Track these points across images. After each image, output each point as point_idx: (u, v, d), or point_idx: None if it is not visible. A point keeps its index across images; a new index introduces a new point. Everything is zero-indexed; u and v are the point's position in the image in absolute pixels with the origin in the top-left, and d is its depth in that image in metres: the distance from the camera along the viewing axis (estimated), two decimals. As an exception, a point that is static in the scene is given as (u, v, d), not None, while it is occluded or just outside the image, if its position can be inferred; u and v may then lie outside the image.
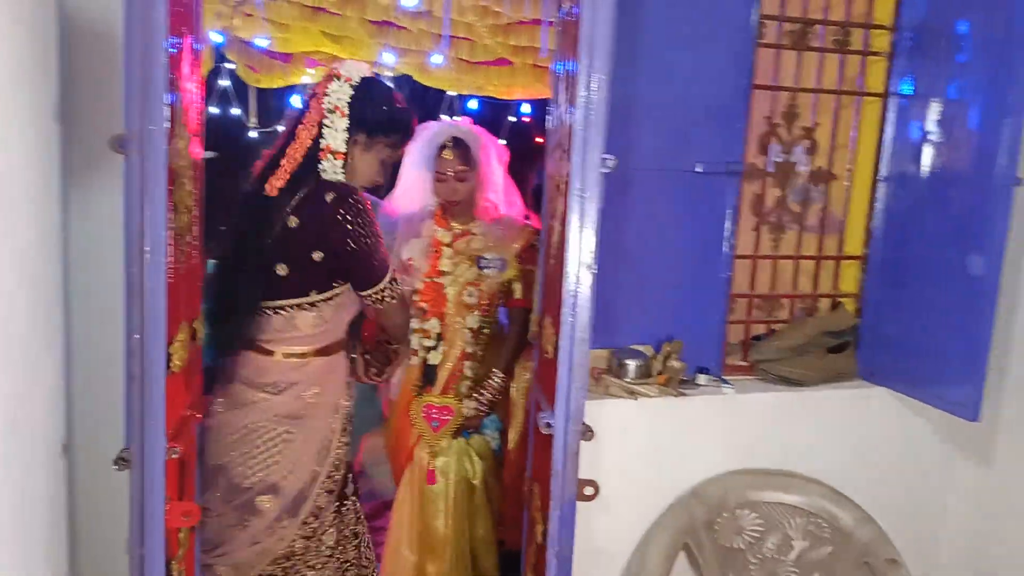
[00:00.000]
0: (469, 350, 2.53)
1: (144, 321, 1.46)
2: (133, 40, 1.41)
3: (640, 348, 2.18)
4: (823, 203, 2.34)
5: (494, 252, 2.51)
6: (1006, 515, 2.17)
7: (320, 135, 1.94)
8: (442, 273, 2.51)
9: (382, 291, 1.98)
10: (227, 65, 4.53)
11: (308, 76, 4.36)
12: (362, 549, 2.18)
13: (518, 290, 2.55)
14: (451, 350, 2.52)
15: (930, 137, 2.11)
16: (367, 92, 1.97)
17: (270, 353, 1.95)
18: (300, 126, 1.96)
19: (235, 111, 5.10)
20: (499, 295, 2.55)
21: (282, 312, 1.94)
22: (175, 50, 1.54)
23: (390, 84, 2.16)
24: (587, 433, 1.76)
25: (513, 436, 2.57)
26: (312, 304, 1.94)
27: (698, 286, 2.23)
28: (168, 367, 1.52)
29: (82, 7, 1.67)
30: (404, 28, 3.77)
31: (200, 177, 1.83)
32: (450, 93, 4.68)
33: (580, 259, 1.66)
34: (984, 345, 1.94)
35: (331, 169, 1.93)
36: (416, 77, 4.18)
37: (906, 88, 2.19)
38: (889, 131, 2.23)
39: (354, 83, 1.96)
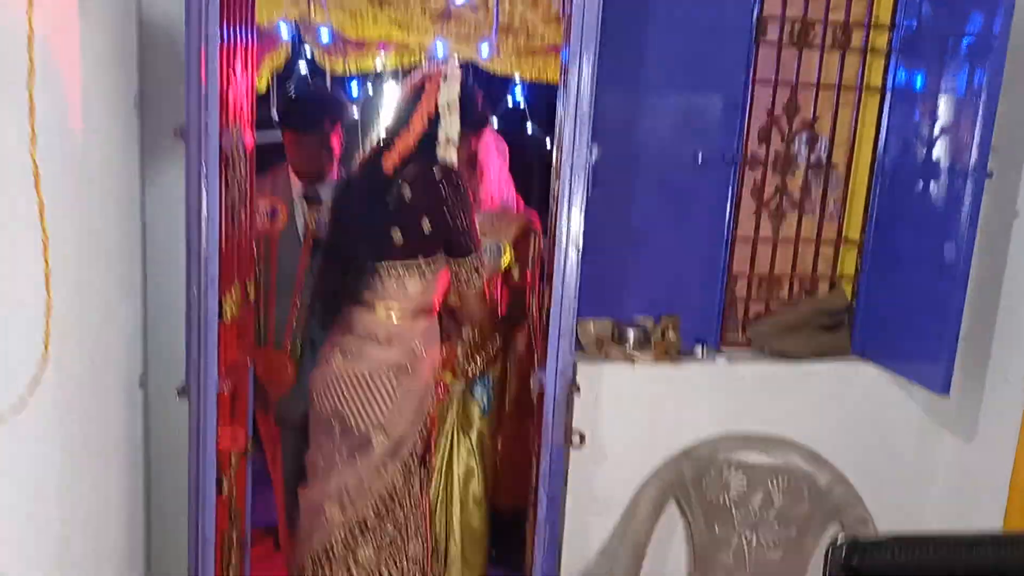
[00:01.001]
0: (467, 333, 2.68)
1: (201, 278, 1.79)
2: (191, 43, 1.73)
3: (641, 320, 2.41)
4: (822, 191, 2.50)
5: (490, 239, 2.61)
6: (985, 487, 2.32)
7: (434, 126, 2.23)
8: None
9: (471, 263, 2.25)
10: (304, 50, 4.92)
11: (379, 60, 4.70)
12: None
13: (516, 273, 2.73)
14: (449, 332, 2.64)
15: (918, 131, 2.26)
16: (470, 92, 2.32)
17: (379, 311, 2.26)
18: (415, 115, 2.23)
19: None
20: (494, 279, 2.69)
21: (394, 272, 2.23)
22: (228, 48, 1.86)
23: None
24: (574, 389, 2.02)
25: (508, 404, 2.76)
26: (419, 268, 2.23)
27: (699, 265, 2.44)
28: (220, 317, 1.85)
29: (156, 14, 2.01)
30: (464, 17, 4.06)
31: (252, 159, 2.16)
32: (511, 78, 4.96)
33: (568, 238, 1.91)
34: (954, 324, 2.10)
35: (446, 155, 2.22)
36: (479, 64, 4.47)
37: (900, 85, 2.34)
38: (884, 125, 2.38)
39: (460, 82, 2.26)
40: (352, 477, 2.28)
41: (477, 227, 2.27)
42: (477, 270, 2.27)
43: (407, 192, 2.19)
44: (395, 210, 2.20)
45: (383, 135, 2.32)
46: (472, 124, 2.34)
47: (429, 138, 2.22)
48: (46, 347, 1.17)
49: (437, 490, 2.70)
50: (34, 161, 1.14)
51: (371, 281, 2.25)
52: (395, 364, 2.25)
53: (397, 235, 2.21)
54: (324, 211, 2.48)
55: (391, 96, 4.57)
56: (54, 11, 1.29)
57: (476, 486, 2.74)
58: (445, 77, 2.24)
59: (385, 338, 2.25)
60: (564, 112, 1.90)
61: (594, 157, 1.89)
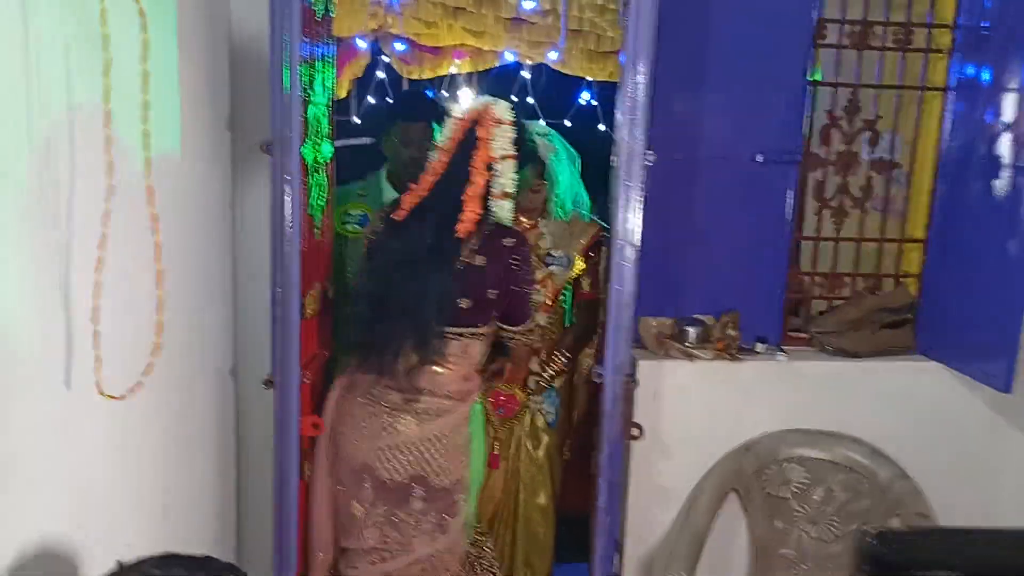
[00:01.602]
0: (536, 345, 2.61)
1: (284, 278, 1.96)
2: (274, 64, 1.90)
3: (702, 317, 2.48)
4: (885, 189, 2.51)
5: (561, 249, 2.63)
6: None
7: (490, 179, 2.10)
8: None
9: (528, 331, 2.28)
10: (382, 59, 5.15)
11: (455, 67, 4.89)
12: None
13: (586, 283, 2.69)
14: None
15: (981, 128, 2.25)
16: (519, 128, 2.17)
17: (448, 370, 2.17)
18: (473, 169, 2.09)
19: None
20: (563, 290, 2.68)
21: (460, 339, 2.17)
22: (309, 65, 2.02)
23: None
24: (631, 383, 2.11)
25: (575, 416, 2.78)
26: (483, 335, 2.21)
27: (760, 264, 2.48)
28: (302, 314, 2.01)
29: (245, 38, 2.20)
30: (535, 23, 4.21)
31: (332, 170, 2.32)
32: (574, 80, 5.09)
33: (626, 236, 2.00)
34: (1016, 322, 2.09)
35: (503, 210, 2.13)
36: (552, 65, 4.62)
37: (963, 82, 2.34)
38: (948, 122, 2.38)
39: (512, 122, 2.14)
40: (443, 541, 2.22)
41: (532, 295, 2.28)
42: (527, 335, 2.29)
43: (479, 261, 2.13)
44: (463, 275, 2.11)
45: (445, 184, 2.13)
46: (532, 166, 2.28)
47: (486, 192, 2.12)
48: (158, 337, 1.34)
49: (505, 501, 2.70)
50: (149, 181, 1.31)
51: (440, 344, 2.14)
52: (466, 418, 2.25)
53: (465, 303, 2.13)
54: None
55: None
56: (159, 52, 1.47)
57: (542, 497, 2.73)
58: (499, 123, 2.12)
59: (458, 393, 2.20)
60: (621, 114, 2.00)
61: (651, 159, 1.97)
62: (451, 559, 2.25)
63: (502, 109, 2.15)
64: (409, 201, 2.15)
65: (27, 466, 1.13)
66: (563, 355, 2.71)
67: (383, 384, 2.14)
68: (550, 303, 2.64)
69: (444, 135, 2.19)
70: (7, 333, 1.05)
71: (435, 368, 2.15)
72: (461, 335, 2.17)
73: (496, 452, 2.64)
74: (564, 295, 2.72)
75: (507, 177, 2.12)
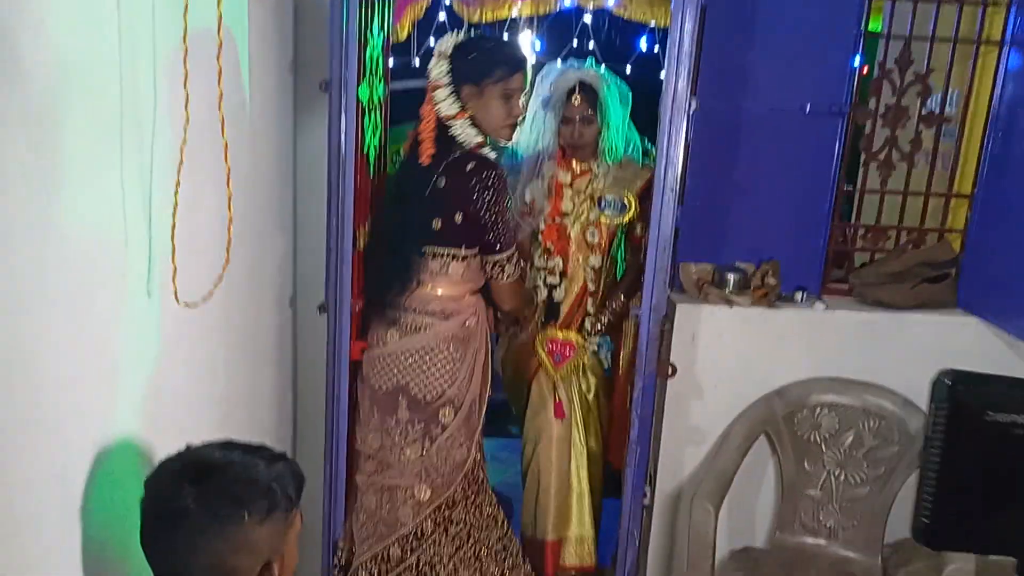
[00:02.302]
0: (591, 287, 2.70)
1: (340, 210, 2.09)
2: (334, 7, 2.00)
3: (742, 265, 2.53)
4: (934, 144, 2.51)
5: (614, 193, 2.65)
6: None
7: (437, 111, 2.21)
8: (564, 214, 2.68)
9: (499, 264, 2.29)
10: (444, 1, 5.22)
11: (515, 10, 4.94)
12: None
13: (640, 228, 2.69)
14: (572, 286, 2.70)
15: (1033, 83, 2.24)
16: (460, 54, 2.20)
17: (430, 288, 2.30)
18: (423, 105, 2.24)
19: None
20: (618, 231, 2.72)
21: (439, 257, 2.27)
22: (368, 7, 2.12)
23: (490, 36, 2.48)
24: (668, 324, 2.19)
25: (623, 364, 2.74)
26: (463, 257, 2.27)
27: (803, 214, 2.52)
28: (355, 246, 2.14)
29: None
30: None
31: (387, 111, 2.43)
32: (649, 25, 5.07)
33: (666, 182, 2.07)
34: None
35: (461, 131, 2.21)
36: (612, 10, 4.63)
37: (1019, 37, 2.31)
38: (1001, 77, 2.37)
39: (448, 53, 2.20)
40: (431, 446, 2.31)
41: (511, 225, 2.33)
42: (504, 267, 2.30)
43: (441, 183, 2.21)
44: (432, 199, 2.22)
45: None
46: (484, 74, 2.22)
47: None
48: (228, 252, 1.48)
49: (573, 450, 2.76)
50: (221, 113, 1.43)
51: (420, 262, 2.28)
52: (452, 336, 2.29)
53: (437, 223, 2.23)
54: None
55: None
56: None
57: (592, 440, 2.81)
58: (437, 56, 2.22)
59: (441, 312, 2.29)
60: (668, 59, 2.05)
61: (694, 106, 2.02)
62: (442, 462, 2.32)
63: (448, 39, 2.23)
64: (410, 142, 2.31)
65: (109, 365, 1.27)
66: (617, 300, 2.74)
67: (383, 301, 2.33)
68: (606, 244, 2.69)
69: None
70: (100, 246, 1.19)
71: (419, 286, 2.29)
72: (439, 254, 2.27)
73: (559, 400, 2.73)
74: (618, 239, 2.76)
75: (443, 103, 2.19)
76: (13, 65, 0.92)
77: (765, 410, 2.44)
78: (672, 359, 2.37)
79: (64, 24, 1.05)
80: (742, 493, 2.51)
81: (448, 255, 2.27)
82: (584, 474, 2.79)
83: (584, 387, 2.78)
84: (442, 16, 5.32)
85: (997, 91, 2.38)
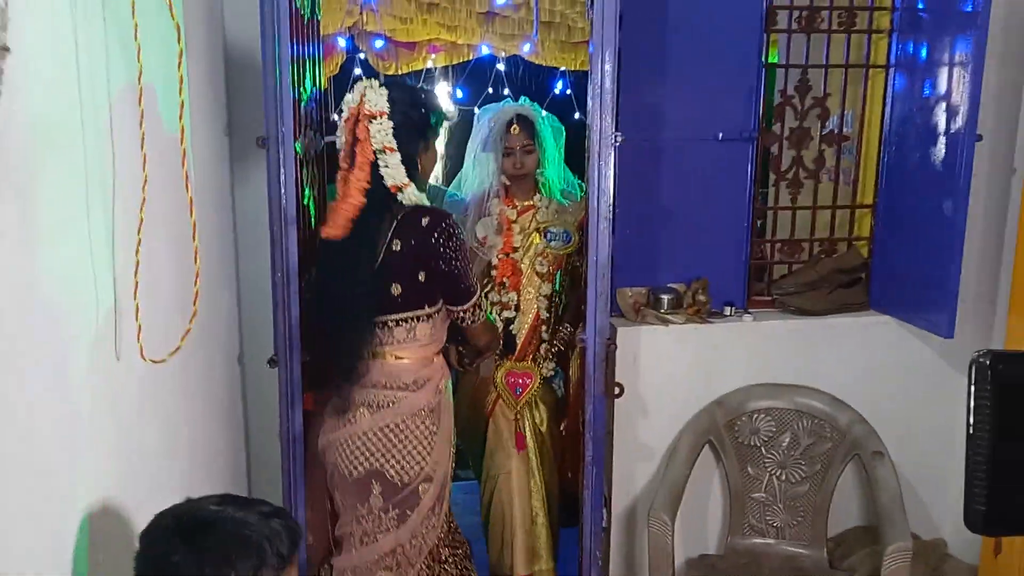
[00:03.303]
0: (544, 315, 2.77)
1: (284, 263, 2.13)
2: (267, 63, 2.06)
3: (674, 286, 2.68)
4: (836, 161, 2.73)
5: (559, 224, 2.76)
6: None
7: (379, 175, 2.09)
8: (515, 248, 2.76)
9: (471, 309, 2.22)
10: (359, 55, 5.32)
11: (430, 61, 5.08)
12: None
13: (575, 258, 2.77)
14: (526, 317, 2.76)
15: (917, 102, 2.47)
16: (403, 111, 2.10)
17: (401, 358, 2.18)
18: (351, 171, 2.09)
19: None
20: (564, 261, 2.79)
21: (403, 324, 2.16)
22: (298, 64, 2.19)
23: (409, 87, 2.44)
24: (611, 345, 2.30)
25: (573, 390, 2.77)
26: (428, 316, 2.18)
27: (725, 234, 2.69)
28: (301, 298, 2.18)
29: (238, 46, 2.35)
30: (507, 16, 4.41)
31: (322, 162, 2.49)
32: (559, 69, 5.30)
33: (599, 212, 2.19)
34: (955, 274, 2.32)
35: (408, 199, 2.12)
36: (525, 57, 4.82)
37: (901, 60, 2.55)
38: (889, 97, 2.60)
39: (388, 112, 2.08)
40: (405, 535, 2.20)
41: (471, 271, 2.24)
42: (474, 311, 2.23)
43: (396, 247, 2.10)
44: (387, 265, 2.11)
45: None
46: (432, 130, 2.21)
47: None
48: (195, 304, 1.52)
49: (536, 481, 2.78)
50: (185, 170, 1.48)
51: (380, 333, 2.16)
52: (426, 408, 2.19)
53: (396, 288, 2.12)
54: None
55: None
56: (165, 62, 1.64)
57: (547, 471, 2.82)
58: (372, 119, 2.08)
59: (413, 383, 2.18)
60: (591, 100, 2.18)
61: (619, 140, 2.16)
62: (414, 552, 2.23)
63: (375, 99, 2.09)
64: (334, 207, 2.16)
65: (83, 429, 1.29)
66: (564, 328, 2.81)
67: (336, 382, 2.18)
68: (553, 273, 2.78)
69: (339, 141, 2.19)
70: (67, 312, 1.21)
71: (384, 358, 2.17)
72: (404, 320, 2.16)
73: (520, 432, 2.75)
74: (564, 268, 2.82)
75: (393, 167, 2.09)
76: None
77: (707, 420, 2.57)
78: (616, 380, 2.48)
79: (39, 87, 1.09)
80: (694, 503, 2.62)
81: (413, 319, 2.17)
82: (542, 506, 2.82)
83: (537, 419, 2.83)
84: (357, 71, 5.41)
85: (887, 109, 2.61)
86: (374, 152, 2.08)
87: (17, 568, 1.04)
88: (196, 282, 1.52)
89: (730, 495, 2.61)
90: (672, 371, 2.61)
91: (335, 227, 2.10)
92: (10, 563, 1.03)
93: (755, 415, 2.57)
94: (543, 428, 2.85)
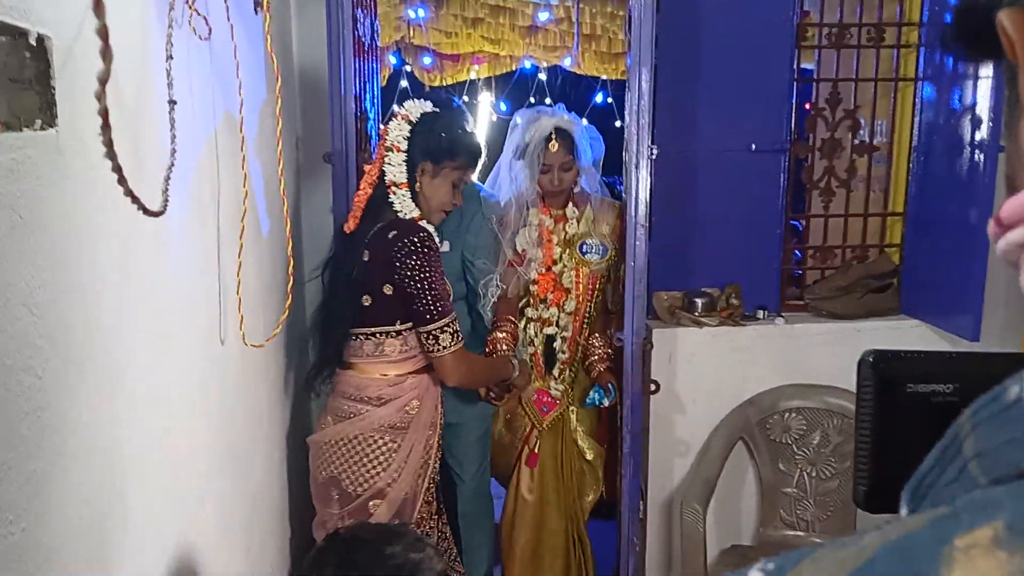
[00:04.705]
0: (585, 332, 2.72)
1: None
2: (332, 88, 2.27)
3: (708, 290, 2.82)
4: (867, 170, 2.84)
5: (594, 237, 2.69)
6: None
7: (383, 172, 2.11)
8: (555, 262, 2.68)
9: (427, 336, 2.06)
10: (406, 68, 5.55)
11: (474, 72, 5.29)
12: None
13: (623, 268, 2.61)
14: (566, 334, 2.72)
15: (943, 113, 2.58)
16: (428, 125, 2.12)
17: (367, 372, 2.14)
18: (367, 165, 2.16)
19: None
20: (603, 276, 2.73)
21: (372, 338, 2.11)
22: (359, 82, 2.39)
23: (461, 112, 2.38)
24: (648, 344, 2.45)
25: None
26: (398, 332, 2.10)
27: (758, 240, 2.82)
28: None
29: (306, 67, 2.57)
30: (548, 30, 4.61)
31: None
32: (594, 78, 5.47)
33: (637, 219, 2.35)
34: (979, 280, 2.42)
35: (399, 202, 2.10)
36: (567, 67, 5.01)
37: (928, 73, 2.66)
38: (918, 109, 2.71)
39: (413, 119, 2.12)
40: None
41: (444, 293, 2.09)
42: (438, 337, 2.07)
43: (365, 256, 2.08)
44: (359, 274, 2.09)
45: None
46: (447, 155, 2.14)
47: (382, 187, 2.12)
48: (290, 295, 1.73)
49: (555, 501, 2.77)
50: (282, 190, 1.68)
51: (352, 344, 2.14)
52: (387, 425, 2.12)
53: (366, 300, 2.09)
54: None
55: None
56: (255, 89, 1.84)
57: (590, 494, 2.82)
58: (395, 118, 2.14)
59: (377, 398, 2.12)
60: (629, 115, 2.34)
61: (655, 153, 2.31)
62: None
63: (412, 106, 2.14)
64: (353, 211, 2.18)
65: (185, 403, 1.49)
66: (598, 340, 2.74)
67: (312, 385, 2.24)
68: (592, 289, 2.70)
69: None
70: (186, 306, 1.42)
71: (355, 370, 2.15)
72: (372, 334, 2.11)
73: (536, 451, 2.73)
74: (601, 283, 2.76)
75: (394, 167, 2.10)
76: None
77: (740, 419, 2.70)
78: (653, 378, 2.63)
79: (187, 130, 1.30)
80: (727, 497, 2.75)
81: (382, 333, 2.11)
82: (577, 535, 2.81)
83: (580, 443, 2.78)
84: (404, 83, 5.65)
85: (916, 120, 2.73)
86: (384, 149, 2.12)
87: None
88: (290, 277, 1.72)
89: (762, 489, 2.74)
90: (706, 371, 2.75)
91: (350, 218, 2.14)
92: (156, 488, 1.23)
93: (786, 414, 2.69)
94: (590, 456, 2.78)
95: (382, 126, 2.15)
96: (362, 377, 2.13)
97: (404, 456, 2.12)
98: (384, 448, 2.11)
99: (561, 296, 2.71)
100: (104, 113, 0.81)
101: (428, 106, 2.16)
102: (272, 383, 2.03)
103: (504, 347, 2.59)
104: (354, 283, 2.09)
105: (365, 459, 2.10)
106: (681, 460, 2.80)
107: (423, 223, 2.11)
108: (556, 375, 2.75)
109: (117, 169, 0.84)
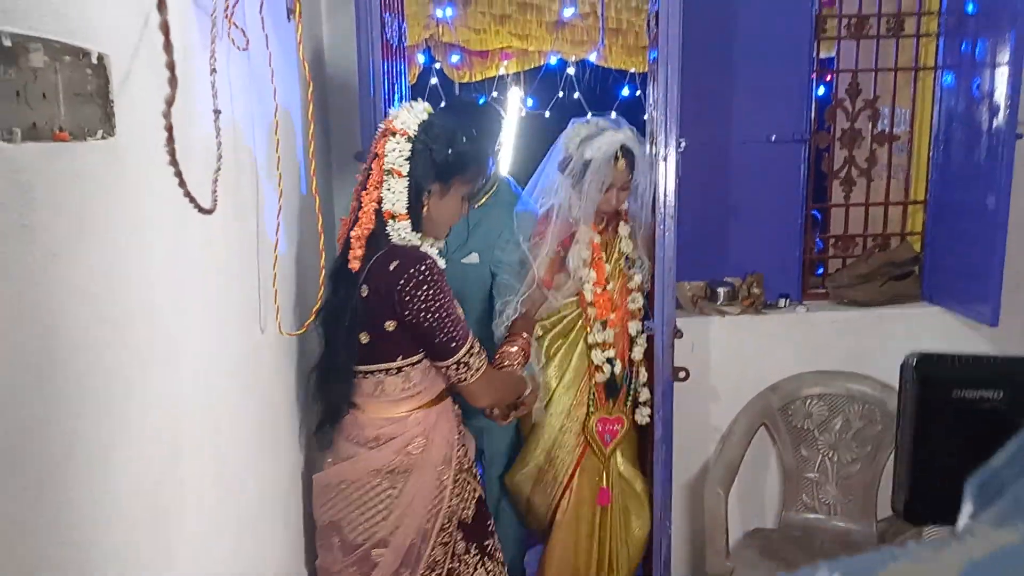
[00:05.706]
0: (637, 357, 2.55)
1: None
2: (362, 88, 2.35)
3: (730, 280, 2.88)
4: (887, 159, 2.88)
5: (640, 251, 2.56)
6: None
7: (382, 198, 1.83)
8: (607, 280, 2.50)
9: (454, 367, 1.87)
10: (435, 66, 5.65)
11: (502, 68, 5.38)
12: None
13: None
14: (624, 357, 2.54)
15: (962, 102, 2.61)
16: (430, 139, 1.83)
17: (366, 411, 1.93)
18: (364, 192, 1.85)
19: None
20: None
21: (370, 376, 1.89)
22: (389, 82, 2.48)
23: (468, 108, 2.17)
24: (678, 333, 2.51)
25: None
26: (399, 369, 1.88)
27: (779, 230, 2.88)
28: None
29: (336, 67, 2.67)
30: (575, 25, 4.72)
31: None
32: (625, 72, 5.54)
33: (665, 211, 2.40)
34: (998, 265, 2.45)
35: (397, 233, 1.84)
36: (594, 62, 5.09)
37: (947, 63, 2.69)
38: (938, 98, 2.74)
39: (412, 133, 1.83)
40: None
41: (458, 320, 1.87)
42: (468, 363, 1.88)
43: (364, 292, 1.81)
44: (357, 311, 1.83)
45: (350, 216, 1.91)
46: (456, 171, 1.88)
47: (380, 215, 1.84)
48: (322, 286, 1.83)
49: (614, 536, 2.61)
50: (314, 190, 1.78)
51: (352, 384, 1.92)
52: (383, 469, 1.90)
53: (364, 337, 1.85)
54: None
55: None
56: (288, 92, 1.94)
57: (636, 527, 2.64)
58: (391, 135, 1.83)
59: (375, 439, 1.92)
60: (655, 106, 2.39)
61: (683, 146, 2.36)
62: None
63: (403, 118, 1.84)
64: (342, 237, 1.93)
65: (232, 384, 1.59)
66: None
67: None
68: (640, 310, 2.55)
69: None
70: (230, 295, 1.52)
71: (358, 409, 1.94)
72: (371, 373, 1.89)
73: (605, 486, 2.54)
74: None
75: (395, 195, 1.82)
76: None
77: (762, 405, 2.76)
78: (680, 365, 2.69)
79: (231, 138, 1.40)
80: (750, 481, 2.82)
81: (381, 371, 1.88)
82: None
83: (628, 472, 2.61)
84: (433, 80, 5.74)
85: (936, 109, 2.76)
86: (383, 172, 1.84)
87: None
88: (322, 270, 1.82)
89: (784, 474, 2.80)
90: (728, 359, 2.81)
91: (351, 257, 1.83)
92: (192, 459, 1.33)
93: (808, 400, 2.75)
94: (638, 487, 2.62)
95: (377, 135, 1.89)
96: (361, 416, 1.93)
97: (407, 501, 1.91)
98: (383, 495, 1.91)
99: (620, 316, 2.53)
100: (169, 128, 0.90)
101: (422, 110, 1.87)
102: (302, 372, 2.14)
103: (515, 362, 2.27)
104: (352, 320, 1.84)
105: (363, 506, 1.92)
106: (704, 446, 2.86)
107: (425, 247, 1.89)
108: (615, 401, 2.54)
109: (178, 175, 0.94)
